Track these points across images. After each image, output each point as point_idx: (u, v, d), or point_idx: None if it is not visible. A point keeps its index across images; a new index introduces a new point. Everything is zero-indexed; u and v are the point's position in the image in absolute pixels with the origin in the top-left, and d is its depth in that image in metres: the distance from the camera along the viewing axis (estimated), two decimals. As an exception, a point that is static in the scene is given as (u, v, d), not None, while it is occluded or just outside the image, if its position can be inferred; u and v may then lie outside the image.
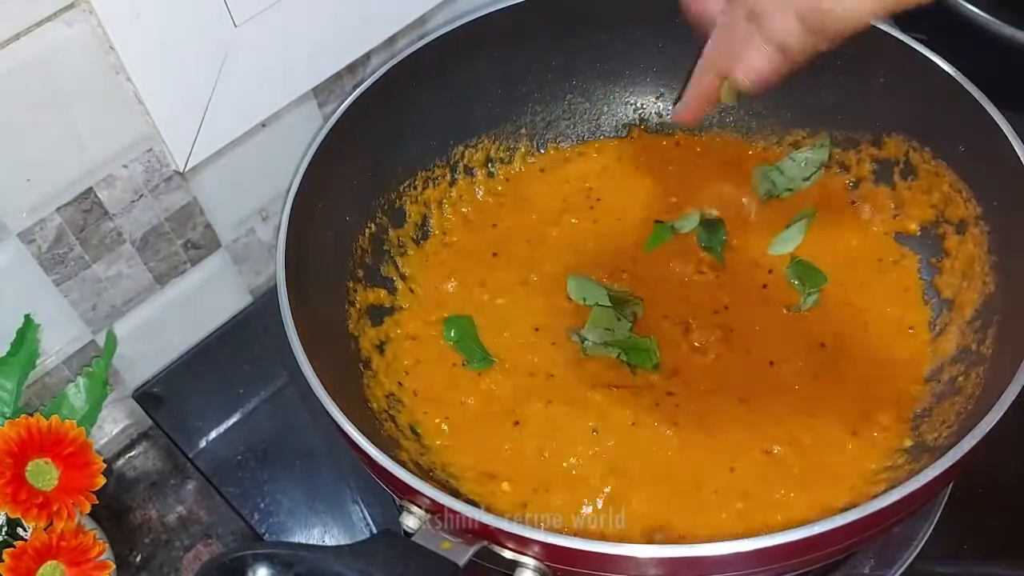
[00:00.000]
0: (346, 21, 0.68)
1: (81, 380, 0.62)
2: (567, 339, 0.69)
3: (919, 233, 0.72)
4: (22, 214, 0.59)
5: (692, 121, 0.63)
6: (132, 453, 0.75)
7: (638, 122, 0.81)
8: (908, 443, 0.61)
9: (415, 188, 0.76)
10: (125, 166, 0.63)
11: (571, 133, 0.81)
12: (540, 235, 0.77)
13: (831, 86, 0.74)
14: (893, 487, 0.49)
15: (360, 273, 0.71)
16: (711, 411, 0.65)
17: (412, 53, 0.72)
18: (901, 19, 0.73)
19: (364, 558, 0.48)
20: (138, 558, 0.69)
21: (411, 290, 0.74)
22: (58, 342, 0.66)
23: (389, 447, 0.60)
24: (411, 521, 0.52)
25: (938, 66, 0.66)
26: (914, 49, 0.68)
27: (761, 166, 0.77)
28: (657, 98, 0.81)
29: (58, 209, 0.61)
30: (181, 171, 0.65)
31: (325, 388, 0.56)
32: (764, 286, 0.72)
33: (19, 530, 0.56)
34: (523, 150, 0.81)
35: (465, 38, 0.73)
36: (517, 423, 0.66)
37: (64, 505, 0.55)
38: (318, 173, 0.67)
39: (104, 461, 0.58)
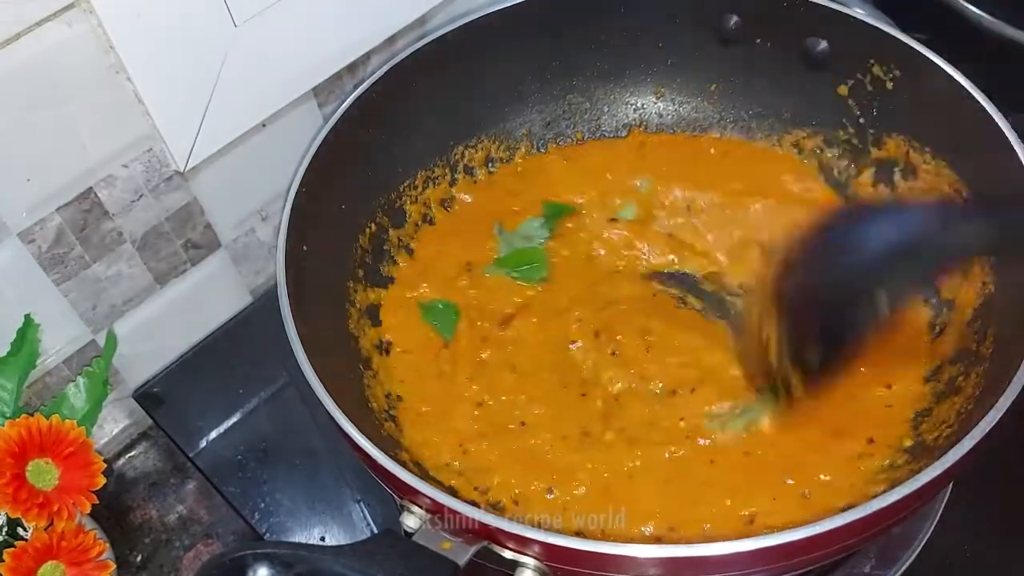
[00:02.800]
0: (346, 21, 0.68)
1: (81, 380, 0.62)
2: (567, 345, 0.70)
3: (919, 233, 0.72)
4: (22, 214, 0.59)
5: None
6: (132, 453, 0.75)
7: (638, 122, 0.81)
8: (908, 443, 0.61)
9: (415, 188, 0.76)
10: (125, 166, 0.63)
11: (571, 133, 0.81)
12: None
13: (831, 86, 0.74)
14: (893, 487, 0.49)
15: (360, 273, 0.71)
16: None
17: (412, 53, 0.72)
18: (901, 19, 0.73)
19: (364, 558, 0.48)
20: (138, 558, 0.69)
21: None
22: (58, 342, 0.66)
23: (389, 447, 0.60)
24: (411, 521, 0.52)
25: (938, 66, 0.66)
26: (915, 49, 0.68)
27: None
28: (657, 98, 0.81)
29: (58, 209, 0.61)
30: (181, 171, 0.65)
31: (325, 388, 0.56)
32: None
33: (19, 530, 0.56)
34: (523, 150, 0.81)
35: (465, 38, 0.73)
36: (513, 427, 0.66)
37: (64, 505, 0.55)
38: (318, 173, 0.67)
39: (104, 461, 0.58)
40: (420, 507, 0.52)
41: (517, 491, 0.62)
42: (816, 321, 0.53)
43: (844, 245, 0.52)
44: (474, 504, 0.56)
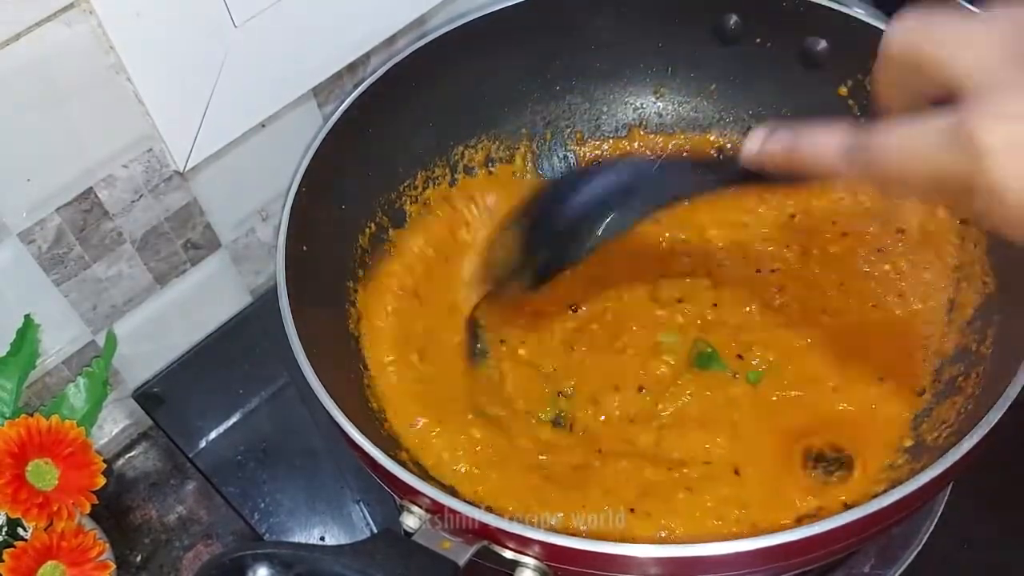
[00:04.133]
0: (346, 21, 0.68)
1: (81, 380, 0.62)
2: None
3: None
4: (22, 214, 0.59)
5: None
6: (132, 453, 0.75)
7: (638, 122, 0.81)
8: (908, 443, 0.61)
9: (415, 188, 0.76)
10: (125, 166, 0.63)
11: (571, 133, 0.81)
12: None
13: (831, 86, 0.74)
14: (893, 487, 0.49)
15: (360, 273, 0.71)
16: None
17: (412, 53, 0.72)
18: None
19: (364, 558, 0.48)
20: (138, 558, 0.69)
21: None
22: (58, 342, 0.66)
23: (389, 447, 0.60)
24: (411, 521, 0.52)
25: (938, 66, 0.66)
26: (914, 49, 0.68)
27: None
28: (657, 98, 0.81)
29: (58, 209, 0.61)
30: (181, 171, 0.65)
31: (325, 388, 0.56)
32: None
33: (19, 530, 0.56)
34: (523, 150, 0.81)
35: (465, 38, 0.73)
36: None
37: (64, 505, 0.55)
38: (318, 173, 0.67)
39: (104, 461, 0.58)
40: (420, 507, 0.52)
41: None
42: (547, 234, 0.64)
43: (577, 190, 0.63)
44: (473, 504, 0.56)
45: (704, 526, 0.59)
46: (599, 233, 0.60)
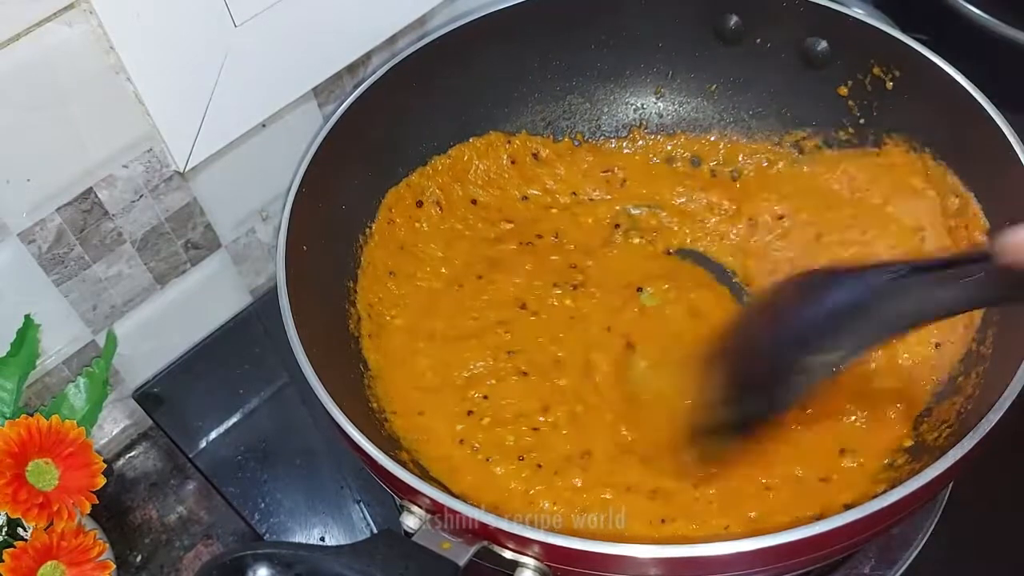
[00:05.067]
0: (346, 21, 0.68)
1: (81, 380, 0.62)
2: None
3: (919, 234, 0.71)
4: (22, 214, 0.59)
5: None
6: (132, 453, 0.75)
7: (638, 122, 0.81)
8: (908, 443, 0.61)
9: (415, 188, 0.76)
10: (125, 166, 0.63)
11: (571, 133, 0.81)
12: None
13: (831, 86, 0.74)
14: (893, 487, 0.49)
15: (360, 273, 0.71)
16: None
17: (412, 53, 0.72)
18: (902, 20, 0.73)
19: (364, 558, 0.48)
20: (138, 558, 0.69)
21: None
22: (58, 342, 0.66)
23: (389, 447, 0.60)
24: (411, 521, 0.52)
25: (939, 67, 0.66)
26: (915, 50, 0.68)
27: None
28: (657, 98, 0.81)
29: (58, 209, 0.61)
30: (181, 171, 0.65)
31: (325, 388, 0.56)
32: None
33: (19, 530, 0.56)
34: (523, 150, 0.81)
35: (465, 38, 0.73)
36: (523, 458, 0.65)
37: (64, 505, 0.55)
38: (318, 173, 0.67)
39: (104, 461, 0.58)
40: (420, 507, 0.52)
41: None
42: (749, 381, 0.56)
43: (791, 314, 0.56)
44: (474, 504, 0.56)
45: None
46: (815, 373, 0.52)
